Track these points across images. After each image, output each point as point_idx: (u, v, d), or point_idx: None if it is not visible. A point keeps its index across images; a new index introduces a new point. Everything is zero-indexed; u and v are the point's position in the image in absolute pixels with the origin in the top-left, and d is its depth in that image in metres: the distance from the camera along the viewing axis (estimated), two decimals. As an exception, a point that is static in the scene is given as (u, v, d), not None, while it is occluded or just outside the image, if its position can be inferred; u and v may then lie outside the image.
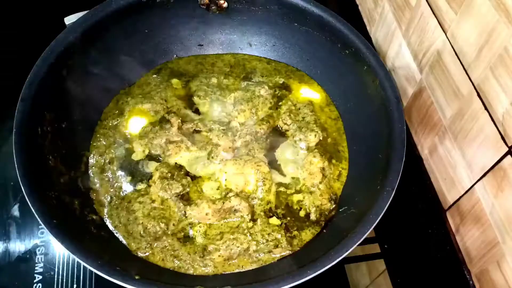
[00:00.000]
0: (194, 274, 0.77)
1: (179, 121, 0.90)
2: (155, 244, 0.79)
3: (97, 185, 0.85)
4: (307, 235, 0.82)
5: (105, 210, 0.83)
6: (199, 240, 0.80)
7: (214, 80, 0.99)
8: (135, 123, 0.92)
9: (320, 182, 0.86)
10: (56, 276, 0.81)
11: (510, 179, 0.61)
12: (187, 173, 0.87)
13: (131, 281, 0.64)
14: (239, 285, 0.68)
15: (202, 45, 1.04)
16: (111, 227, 0.81)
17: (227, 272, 0.78)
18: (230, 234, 0.80)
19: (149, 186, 0.85)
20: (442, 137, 0.77)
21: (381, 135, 0.81)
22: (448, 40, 0.72)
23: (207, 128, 0.92)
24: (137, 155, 0.89)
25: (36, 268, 0.82)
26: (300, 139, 0.91)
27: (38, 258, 0.83)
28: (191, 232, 0.81)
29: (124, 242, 0.80)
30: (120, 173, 0.87)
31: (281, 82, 1.01)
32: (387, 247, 0.89)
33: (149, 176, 0.86)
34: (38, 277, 0.81)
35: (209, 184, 0.86)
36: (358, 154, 0.90)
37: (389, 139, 0.78)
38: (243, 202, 0.82)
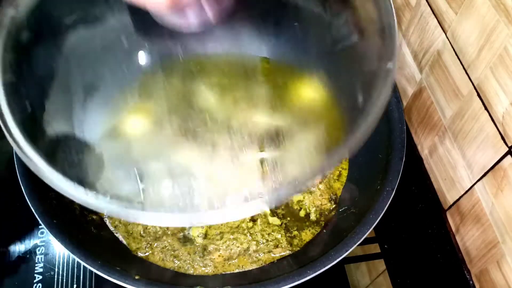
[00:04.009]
0: (194, 274, 0.77)
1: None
2: (155, 244, 0.79)
3: (97, 185, 0.85)
4: (307, 235, 0.82)
5: (105, 210, 0.83)
6: (199, 240, 0.80)
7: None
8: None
9: (320, 182, 0.86)
10: (56, 276, 0.81)
11: (510, 179, 0.61)
12: (187, 173, 0.87)
13: (131, 281, 0.64)
14: (239, 285, 0.68)
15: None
16: (111, 227, 0.81)
17: (227, 272, 0.78)
18: (230, 234, 0.80)
19: (149, 186, 0.85)
20: (442, 137, 0.77)
21: (381, 135, 0.81)
22: (448, 40, 0.72)
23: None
24: (137, 155, 0.89)
25: (36, 268, 0.82)
26: (300, 139, 0.91)
27: (38, 258, 0.83)
28: (191, 232, 0.81)
29: (124, 242, 0.80)
30: (120, 173, 0.87)
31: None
32: (387, 247, 0.89)
33: (149, 176, 0.86)
34: (38, 277, 0.81)
35: (209, 184, 0.86)
36: (358, 154, 0.89)
37: (389, 139, 0.78)
38: (243, 202, 0.82)
